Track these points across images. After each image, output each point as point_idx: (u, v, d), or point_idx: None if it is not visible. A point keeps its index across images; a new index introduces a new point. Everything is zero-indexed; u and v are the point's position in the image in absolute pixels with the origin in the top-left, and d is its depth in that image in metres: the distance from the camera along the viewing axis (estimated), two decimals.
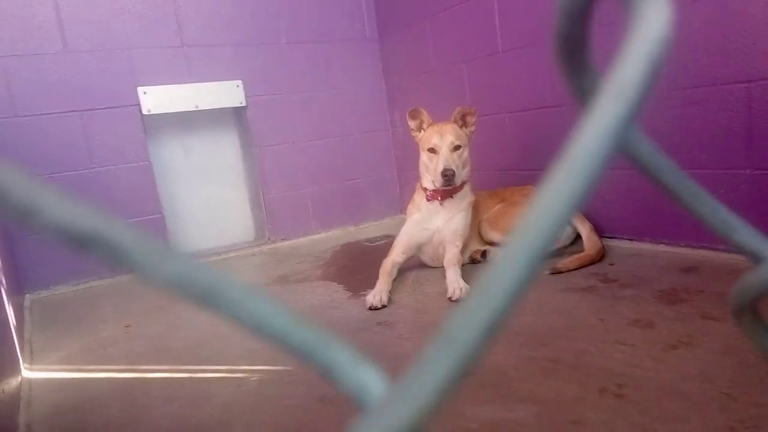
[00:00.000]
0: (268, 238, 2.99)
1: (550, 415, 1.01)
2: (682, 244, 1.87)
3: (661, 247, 1.92)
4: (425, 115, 2.03)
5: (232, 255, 2.84)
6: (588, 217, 2.03)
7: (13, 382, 1.42)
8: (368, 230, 3.11)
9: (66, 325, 1.97)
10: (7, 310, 1.61)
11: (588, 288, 1.66)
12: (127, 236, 0.17)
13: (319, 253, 2.69)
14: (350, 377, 0.19)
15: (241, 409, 1.20)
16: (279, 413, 1.16)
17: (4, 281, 1.70)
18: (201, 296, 0.18)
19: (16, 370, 1.49)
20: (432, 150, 1.98)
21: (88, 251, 0.17)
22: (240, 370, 1.39)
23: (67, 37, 2.42)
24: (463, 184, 2.05)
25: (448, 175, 1.91)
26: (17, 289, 2.22)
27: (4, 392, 1.20)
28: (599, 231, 2.01)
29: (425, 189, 2.07)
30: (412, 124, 2.05)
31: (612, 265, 1.85)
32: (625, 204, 2.03)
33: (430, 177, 2.01)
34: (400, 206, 3.34)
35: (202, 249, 2.89)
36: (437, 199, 2.04)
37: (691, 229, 1.83)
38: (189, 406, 1.24)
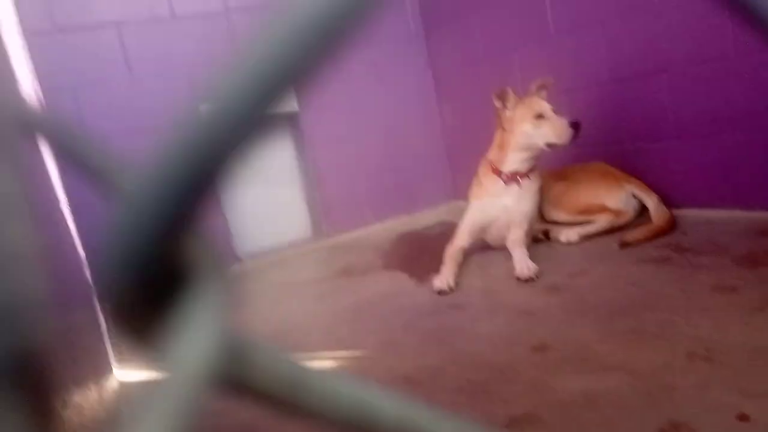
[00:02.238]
0: (326, 233, 3.05)
1: (642, 383, 1.01)
2: (758, 208, 1.80)
3: (736, 213, 1.86)
4: (511, 94, 2.01)
5: (292, 252, 2.92)
6: (654, 188, 1.98)
7: (113, 382, 1.52)
8: (423, 219, 3.13)
9: None
10: (99, 315, 1.71)
11: (662, 259, 1.63)
12: None
13: (378, 244, 2.73)
14: None
15: None
16: None
17: (94, 287, 1.81)
18: None
19: (111, 370, 1.59)
20: (539, 116, 1.95)
21: None
22: (323, 357, 1.44)
23: (131, 61, 2.55)
24: (535, 166, 2.04)
25: (578, 126, 1.87)
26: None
27: (110, 391, 1.29)
28: (668, 201, 1.96)
29: (500, 172, 2.05)
30: (498, 104, 2.03)
31: (684, 234, 1.80)
32: (694, 172, 1.98)
33: (541, 143, 1.95)
34: (452, 193, 3.35)
35: (262, 249, 2.97)
36: (516, 181, 2.03)
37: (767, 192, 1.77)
38: None
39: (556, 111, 1.97)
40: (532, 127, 1.95)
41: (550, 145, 1.93)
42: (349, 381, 0.21)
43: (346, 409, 0.20)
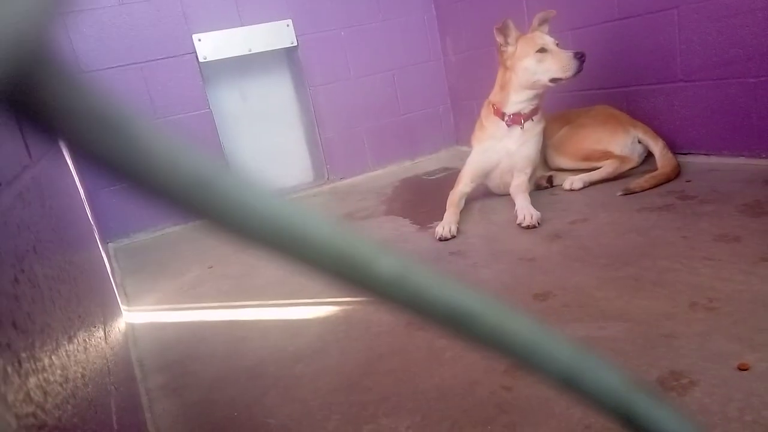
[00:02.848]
0: (328, 178, 3.03)
1: (642, 331, 1.02)
2: (764, 156, 1.78)
3: (741, 160, 1.84)
4: (512, 28, 1.93)
5: (294, 197, 2.91)
6: (660, 133, 1.95)
7: (120, 323, 1.54)
8: (425, 164, 3.10)
9: (152, 270, 2.09)
10: (104, 256, 1.72)
11: (665, 206, 1.62)
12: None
13: (379, 190, 2.72)
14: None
15: (334, 338, 1.27)
16: (370, 339, 1.22)
17: (96, 229, 1.81)
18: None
19: (119, 311, 1.61)
20: (542, 51, 1.88)
21: None
22: (326, 302, 1.46)
23: None
24: (538, 107, 2.00)
25: (583, 57, 1.82)
26: (102, 238, 2.36)
27: (117, 331, 1.31)
28: (672, 147, 1.94)
29: (503, 114, 2.00)
30: (500, 39, 1.95)
31: (689, 181, 1.79)
32: (701, 118, 1.94)
33: (544, 79, 1.88)
34: (455, 138, 3.30)
35: None
36: (519, 123, 1.99)
37: None
38: (284, 336, 1.32)
39: (559, 45, 1.91)
40: (535, 62, 1.89)
41: (554, 80, 1.88)
42: (272, 195, 0.16)
43: (261, 220, 0.15)
